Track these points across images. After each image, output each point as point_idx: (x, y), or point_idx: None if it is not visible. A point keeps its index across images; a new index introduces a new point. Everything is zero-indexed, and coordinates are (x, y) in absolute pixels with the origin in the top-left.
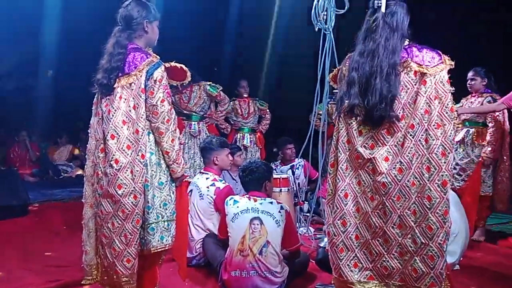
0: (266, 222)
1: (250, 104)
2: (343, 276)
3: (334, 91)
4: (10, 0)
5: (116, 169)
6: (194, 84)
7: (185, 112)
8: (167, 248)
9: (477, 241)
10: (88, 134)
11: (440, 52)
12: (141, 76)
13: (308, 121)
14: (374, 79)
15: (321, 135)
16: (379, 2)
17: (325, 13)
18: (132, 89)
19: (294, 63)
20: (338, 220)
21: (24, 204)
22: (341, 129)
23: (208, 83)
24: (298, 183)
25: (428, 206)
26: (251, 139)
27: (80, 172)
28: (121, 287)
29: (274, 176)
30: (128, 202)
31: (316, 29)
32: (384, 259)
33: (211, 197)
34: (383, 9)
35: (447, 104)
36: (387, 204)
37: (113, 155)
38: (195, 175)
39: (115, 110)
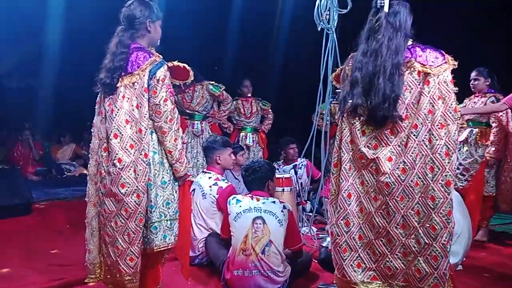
0: (268, 222)
1: (253, 103)
2: (347, 276)
3: (337, 90)
4: (11, 0)
5: (119, 168)
6: (197, 84)
7: (188, 111)
8: (169, 247)
9: (480, 242)
10: (91, 133)
11: (444, 52)
12: (144, 76)
13: (310, 120)
14: (377, 79)
15: (323, 134)
16: (382, 1)
17: (328, 13)
18: (135, 89)
19: (297, 62)
20: (342, 220)
21: (27, 203)
22: (344, 129)
23: (211, 82)
24: (301, 183)
25: (432, 206)
26: (254, 139)
27: (83, 171)
28: (124, 285)
29: (277, 175)
30: (131, 201)
31: (319, 29)
32: (388, 260)
33: (214, 196)
34: (386, 8)
35: (451, 104)
36: (390, 204)
37: (116, 154)
38: (198, 175)
39: (118, 110)
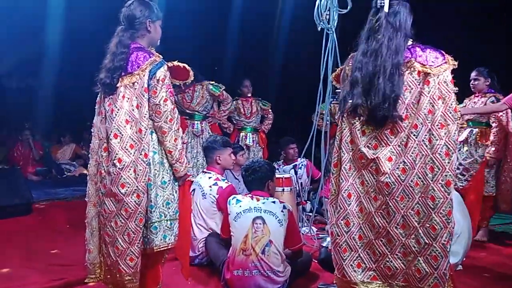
0: (268, 222)
1: (253, 103)
2: (347, 276)
3: (337, 90)
4: (11, 0)
5: (119, 168)
6: (197, 84)
7: (188, 111)
8: (169, 247)
9: (480, 242)
10: (91, 133)
11: (444, 52)
12: (144, 76)
13: (310, 120)
14: (377, 79)
15: (323, 134)
16: (382, 1)
17: (328, 13)
18: (135, 89)
19: (297, 62)
20: (342, 220)
21: (27, 203)
22: (344, 129)
23: (211, 82)
24: (301, 183)
25: (432, 206)
26: (254, 139)
27: (83, 171)
28: (124, 285)
29: (277, 175)
30: (131, 201)
31: (319, 29)
32: (388, 260)
33: (214, 196)
34: (386, 8)
35: (451, 104)
36: (390, 204)
37: (116, 154)
38: (198, 175)
39: (118, 110)
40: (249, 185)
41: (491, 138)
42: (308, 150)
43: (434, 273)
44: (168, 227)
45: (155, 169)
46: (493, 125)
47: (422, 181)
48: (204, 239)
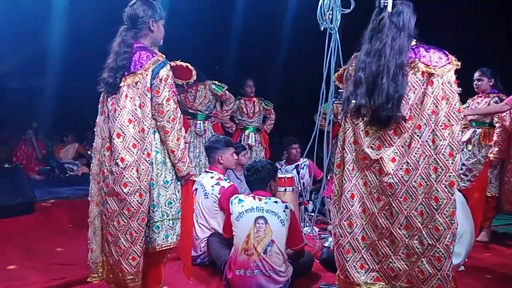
0: (271, 222)
1: (255, 103)
2: (350, 277)
3: (340, 90)
4: (12, 0)
5: (121, 168)
6: (200, 83)
7: (190, 111)
8: (172, 246)
9: (482, 242)
10: (94, 133)
11: (447, 53)
12: (147, 75)
13: (313, 120)
14: (380, 79)
15: (326, 134)
16: (386, 1)
17: (331, 13)
18: (138, 88)
19: (300, 62)
20: (345, 221)
21: (30, 202)
22: (348, 130)
23: (214, 82)
24: (303, 183)
25: (435, 207)
26: (256, 138)
27: (86, 170)
28: (126, 285)
29: (279, 175)
30: (133, 201)
31: (322, 29)
32: (391, 260)
33: (216, 196)
34: (389, 8)
35: (454, 105)
36: (393, 205)
37: (119, 153)
38: (200, 174)
39: (121, 109)
40: (251, 184)
41: (495, 138)
42: (311, 150)
43: (437, 274)
44: (170, 226)
45: (158, 169)
46: (497, 125)
47: (425, 182)
48: (206, 238)
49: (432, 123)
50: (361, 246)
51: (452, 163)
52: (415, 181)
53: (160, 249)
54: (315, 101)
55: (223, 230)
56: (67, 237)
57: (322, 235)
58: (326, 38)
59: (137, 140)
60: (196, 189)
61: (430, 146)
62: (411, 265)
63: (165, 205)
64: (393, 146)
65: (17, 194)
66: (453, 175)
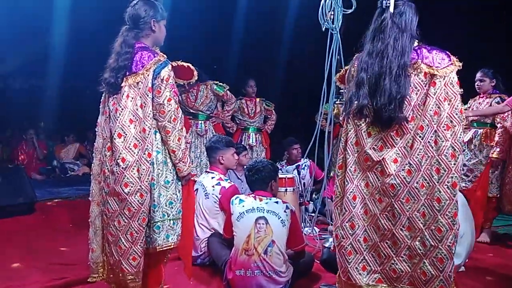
0: (271, 222)
1: (257, 103)
2: (352, 279)
3: (341, 91)
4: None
5: (122, 168)
6: (201, 83)
7: (191, 111)
8: (172, 246)
9: (483, 243)
10: (96, 133)
11: (449, 53)
12: (148, 75)
13: (314, 121)
14: (383, 80)
15: (327, 135)
16: (388, 2)
17: (332, 13)
18: (139, 88)
19: (301, 62)
20: (347, 222)
21: (31, 202)
22: (350, 131)
23: (215, 82)
24: (304, 183)
25: (438, 208)
26: (257, 139)
27: (86, 170)
28: (126, 285)
29: (280, 175)
30: (134, 201)
31: (323, 29)
32: (393, 262)
33: (217, 196)
34: (391, 9)
35: (457, 106)
36: (395, 206)
37: (120, 153)
38: (201, 174)
39: (122, 109)
40: (252, 185)
41: (496, 138)
42: (312, 151)
43: (439, 275)
44: (171, 226)
45: (159, 169)
46: (498, 126)
47: (428, 183)
48: (206, 239)
49: (435, 124)
50: (363, 248)
51: (454, 164)
52: (417, 182)
53: (161, 249)
54: (316, 101)
55: (224, 230)
56: (68, 237)
57: (323, 236)
58: (328, 38)
59: (138, 140)
60: (196, 189)
61: (432, 147)
62: (413, 266)
63: (166, 205)
64: (395, 147)
65: (17, 194)
66: (456, 176)
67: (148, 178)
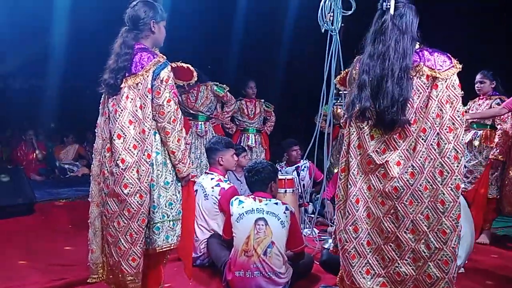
0: (271, 223)
1: (256, 105)
2: (356, 283)
3: (340, 92)
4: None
5: (122, 169)
6: (201, 84)
7: (191, 112)
8: (172, 247)
9: (482, 244)
10: (95, 134)
11: (450, 56)
12: (147, 76)
13: (313, 122)
14: (385, 82)
15: (326, 136)
16: (388, 4)
17: (332, 14)
18: (139, 89)
19: (301, 62)
20: (350, 226)
21: (30, 202)
22: (352, 134)
23: (215, 83)
24: (303, 185)
25: (442, 210)
26: (256, 140)
27: (86, 171)
28: (126, 286)
29: (280, 177)
30: (133, 202)
31: (323, 30)
32: (397, 265)
33: (216, 197)
34: (391, 11)
35: (458, 108)
36: (399, 208)
37: (119, 154)
38: (201, 175)
39: (122, 110)
40: (251, 186)
41: (496, 139)
42: (311, 152)
43: (445, 277)
44: (170, 227)
45: (158, 170)
46: (498, 127)
47: (431, 185)
48: (205, 240)
49: (437, 126)
50: (366, 251)
51: (457, 166)
52: (420, 185)
53: (160, 250)
54: (316, 102)
55: (223, 231)
56: (67, 238)
57: (322, 237)
58: (327, 40)
59: (137, 141)
60: (196, 191)
61: (435, 150)
62: (418, 269)
63: (166, 206)
64: (398, 149)
65: (17, 195)
66: (459, 178)
67: (147, 179)
